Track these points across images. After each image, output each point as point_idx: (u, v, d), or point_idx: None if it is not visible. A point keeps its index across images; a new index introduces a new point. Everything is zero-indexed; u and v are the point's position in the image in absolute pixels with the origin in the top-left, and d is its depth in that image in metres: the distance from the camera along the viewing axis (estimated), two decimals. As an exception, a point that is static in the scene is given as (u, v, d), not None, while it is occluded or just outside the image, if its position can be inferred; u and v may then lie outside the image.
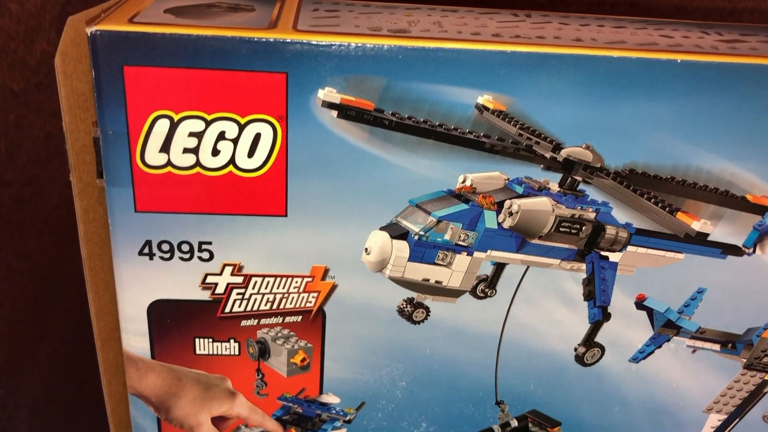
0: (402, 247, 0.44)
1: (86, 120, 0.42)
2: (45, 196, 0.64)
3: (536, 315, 0.47)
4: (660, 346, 0.49)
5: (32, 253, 0.66)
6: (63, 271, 0.67)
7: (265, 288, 0.45)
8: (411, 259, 0.45)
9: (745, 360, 0.50)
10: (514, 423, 0.51)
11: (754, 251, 0.46)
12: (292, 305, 0.46)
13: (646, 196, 0.44)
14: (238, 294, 0.45)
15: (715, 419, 0.52)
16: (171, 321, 0.46)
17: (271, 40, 0.38)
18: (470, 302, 0.47)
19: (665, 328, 0.49)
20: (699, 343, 0.49)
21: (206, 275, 0.45)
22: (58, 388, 0.72)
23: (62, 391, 0.73)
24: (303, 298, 0.46)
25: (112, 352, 0.49)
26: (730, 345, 0.50)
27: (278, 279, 0.45)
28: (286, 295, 0.46)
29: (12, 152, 0.62)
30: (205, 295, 0.45)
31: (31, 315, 0.69)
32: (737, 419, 0.52)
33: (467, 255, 0.45)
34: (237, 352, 0.47)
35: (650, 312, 0.48)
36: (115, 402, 0.51)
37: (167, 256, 0.44)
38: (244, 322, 0.46)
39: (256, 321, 0.46)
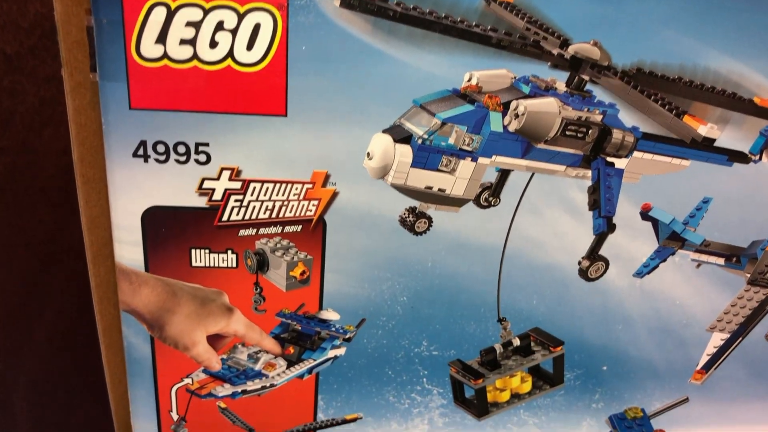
0: (405, 152, 0.43)
1: (79, 14, 0.40)
2: (40, 164, 0.62)
3: (540, 226, 0.46)
4: (665, 260, 0.48)
5: (28, 224, 0.64)
6: (60, 243, 0.65)
7: (264, 195, 0.44)
8: (414, 164, 0.44)
9: (749, 275, 0.50)
10: (516, 342, 0.50)
11: (760, 158, 0.46)
12: (292, 213, 0.45)
13: (653, 97, 0.43)
14: (236, 201, 0.44)
15: (718, 338, 0.52)
16: (166, 230, 0.44)
17: None
18: (473, 212, 0.46)
19: (670, 240, 0.48)
20: (704, 257, 0.49)
21: (203, 180, 0.43)
22: (57, 363, 0.71)
23: (61, 366, 0.71)
24: (303, 206, 0.45)
25: (103, 267, 0.47)
26: (734, 259, 0.49)
27: (277, 185, 0.44)
28: (285, 203, 0.44)
29: (6, 119, 0.60)
30: (202, 202, 0.44)
31: (28, 289, 0.67)
32: (740, 338, 0.52)
33: (471, 161, 0.44)
34: (234, 265, 0.46)
35: (655, 223, 0.48)
36: (106, 322, 0.50)
37: (162, 158, 0.42)
38: (242, 232, 0.45)
39: (255, 230, 0.45)
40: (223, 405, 0.51)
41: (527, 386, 0.52)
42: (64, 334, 0.69)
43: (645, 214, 0.47)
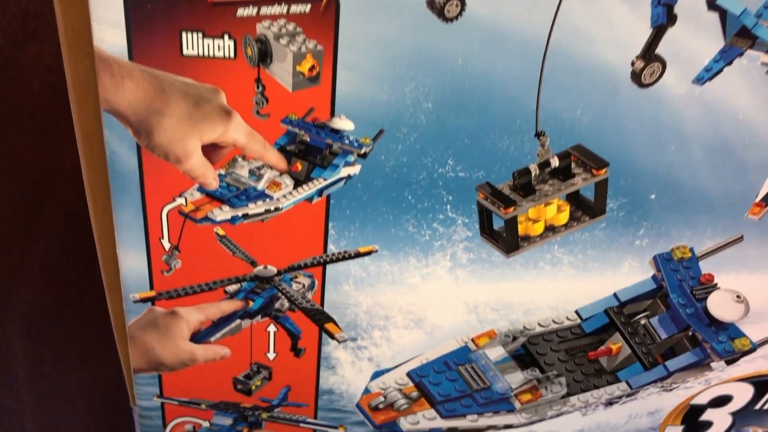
0: None
1: None
2: (26, 82, 0.55)
3: (591, 14, 0.40)
4: (730, 63, 0.42)
5: (15, 148, 0.58)
6: (51, 167, 0.59)
7: (267, -37, 0.37)
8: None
9: (826, 84, 0.43)
10: (555, 162, 0.44)
11: None
12: (300, -12, 0.38)
13: None
14: (233, -30, 0.37)
15: (783, 164, 0.46)
16: (152, 5, 0.38)
17: None
18: (514, -5, 0.39)
19: (738, 37, 0.42)
20: (777, 60, 0.43)
21: (195, -60, 0.37)
22: (52, 294, 0.66)
23: (56, 297, 0.66)
24: (313, -21, 0.38)
25: (90, 110, 0.41)
26: (812, 62, 0.43)
27: (283, -49, 0.37)
28: (292, -26, 0.38)
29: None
30: (194, -29, 0.37)
31: (18, 217, 0.62)
32: (808, 163, 0.46)
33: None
34: (232, 54, 0.40)
35: (723, 15, 0.41)
36: (88, 162, 0.44)
37: None
38: (240, 11, 0.38)
39: (256, 10, 0.38)
40: (221, 232, 0.45)
41: (564, 217, 0.47)
42: (59, 263, 0.64)
43: (712, 3, 0.40)
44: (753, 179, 0.46)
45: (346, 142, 0.43)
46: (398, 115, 0.42)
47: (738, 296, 0.50)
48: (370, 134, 0.43)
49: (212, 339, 0.49)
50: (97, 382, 0.70)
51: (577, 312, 0.51)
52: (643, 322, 0.51)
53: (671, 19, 0.40)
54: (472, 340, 0.51)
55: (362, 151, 0.43)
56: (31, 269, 0.65)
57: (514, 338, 0.51)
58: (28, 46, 0.53)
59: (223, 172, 0.43)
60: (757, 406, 0.56)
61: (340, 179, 0.44)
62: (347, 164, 0.43)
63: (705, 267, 0.49)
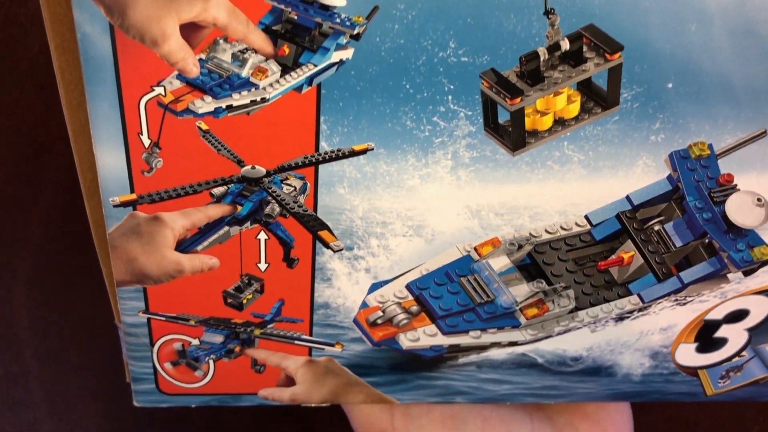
0: None
1: None
2: (26, 40, 0.51)
3: None
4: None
5: (16, 108, 0.55)
6: (50, 128, 0.57)
7: None
8: None
9: None
10: (566, 44, 0.41)
11: None
12: None
13: None
14: None
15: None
16: None
17: None
18: None
19: None
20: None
21: None
22: (55, 253, 0.63)
23: (59, 256, 0.64)
24: None
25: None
26: None
27: None
28: None
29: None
30: None
31: (20, 177, 0.59)
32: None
33: None
34: None
35: None
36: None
37: None
38: None
39: None
40: (204, 126, 0.42)
41: (575, 108, 0.43)
42: (61, 222, 0.62)
43: None
44: (779, 64, 0.42)
45: (337, 21, 0.39)
46: (394, -16, 0.38)
47: (759, 199, 0.47)
48: (363, 12, 0.39)
49: (199, 248, 0.46)
50: (103, 345, 0.69)
51: (586, 217, 0.48)
52: (657, 228, 0.48)
53: None
54: (475, 249, 0.48)
55: (355, 32, 0.39)
56: (33, 228, 0.63)
57: (520, 246, 0.48)
58: (28, 1, 0.50)
59: (203, 57, 0.40)
60: (775, 322, 0.54)
61: (332, 65, 0.40)
62: (339, 47, 0.40)
63: (725, 167, 0.46)
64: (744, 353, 0.55)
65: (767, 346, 0.55)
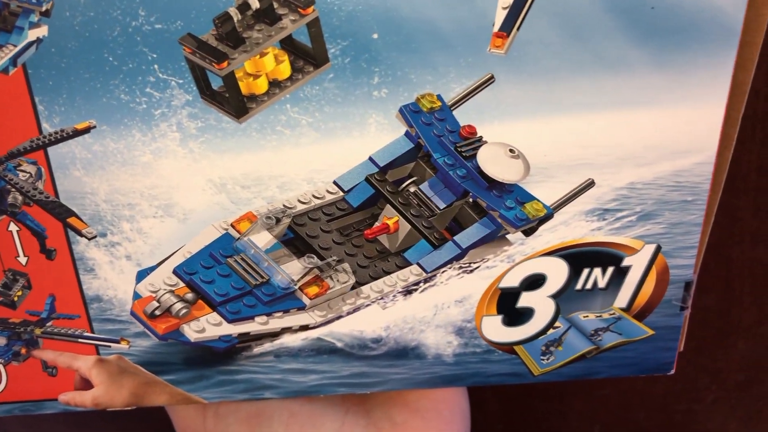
0: None
1: None
2: None
3: None
4: None
5: None
6: None
7: None
8: None
9: None
10: (255, 3, 0.41)
11: None
12: None
13: None
14: None
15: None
16: None
17: None
18: None
19: None
20: None
21: None
22: None
23: None
24: None
25: None
26: None
27: None
28: None
29: None
30: None
31: None
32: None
33: None
34: None
35: None
36: None
37: None
38: None
39: None
40: None
41: (285, 68, 0.43)
42: None
43: None
44: (482, 5, 0.42)
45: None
46: (68, -40, 0.39)
47: (511, 150, 0.46)
48: (45, -11, 0.40)
49: None
50: None
51: (336, 183, 0.47)
52: (413, 189, 0.47)
53: None
54: (232, 226, 0.48)
55: (43, 8, 0.40)
56: None
57: (278, 220, 0.47)
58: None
59: None
60: (578, 287, 0.51)
61: (31, 44, 0.41)
62: (33, 25, 0.41)
63: (463, 118, 0.45)
64: (558, 324, 0.53)
65: (581, 315, 0.53)
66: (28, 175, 0.45)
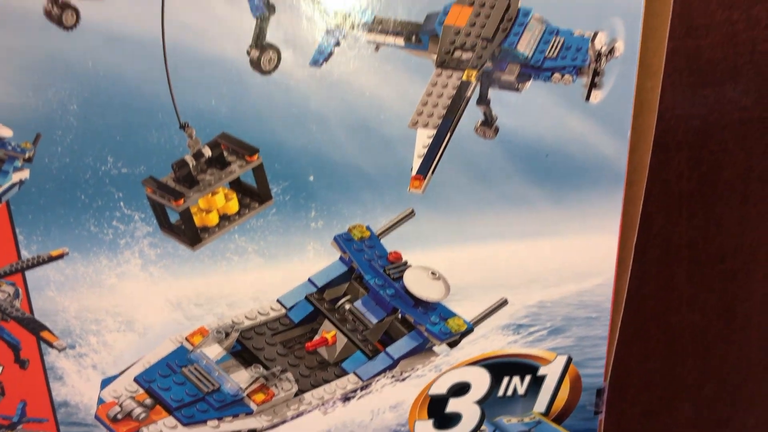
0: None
1: None
2: None
3: (196, 11, 0.45)
4: (338, 44, 0.46)
5: None
6: None
7: None
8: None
9: (435, 56, 0.47)
10: (207, 151, 0.48)
11: None
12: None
13: None
14: None
15: (424, 136, 0.49)
16: None
17: None
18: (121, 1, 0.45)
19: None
20: (380, 38, 0.47)
21: None
22: None
23: None
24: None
25: None
26: (414, 38, 0.47)
27: None
28: None
29: None
30: None
31: None
32: (448, 134, 0.49)
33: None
34: None
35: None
36: None
37: None
38: None
39: None
40: None
41: (234, 205, 0.50)
42: None
43: (303, -8, 0.45)
44: (402, 154, 0.49)
45: (9, 148, 0.47)
46: (49, 119, 0.47)
47: (433, 272, 0.52)
48: (30, 139, 0.47)
49: None
50: None
51: (279, 301, 0.53)
52: (348, 306, 0.53)
53: (270, 8, 0.45)
54: (187, 339, 0.53)
55: (26, 156, 0.47)
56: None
57: (227, 334, 0.53)
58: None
59: None
60: (500, 393, 0.56)
61: (14, 185, 0.48)
62: (16, 170, 0.48)
63: (390, 245, 0.52)
64: (484, 427, 0.58)
65: (505, 419, 0.58)
66: (7, 294, 0.51)
